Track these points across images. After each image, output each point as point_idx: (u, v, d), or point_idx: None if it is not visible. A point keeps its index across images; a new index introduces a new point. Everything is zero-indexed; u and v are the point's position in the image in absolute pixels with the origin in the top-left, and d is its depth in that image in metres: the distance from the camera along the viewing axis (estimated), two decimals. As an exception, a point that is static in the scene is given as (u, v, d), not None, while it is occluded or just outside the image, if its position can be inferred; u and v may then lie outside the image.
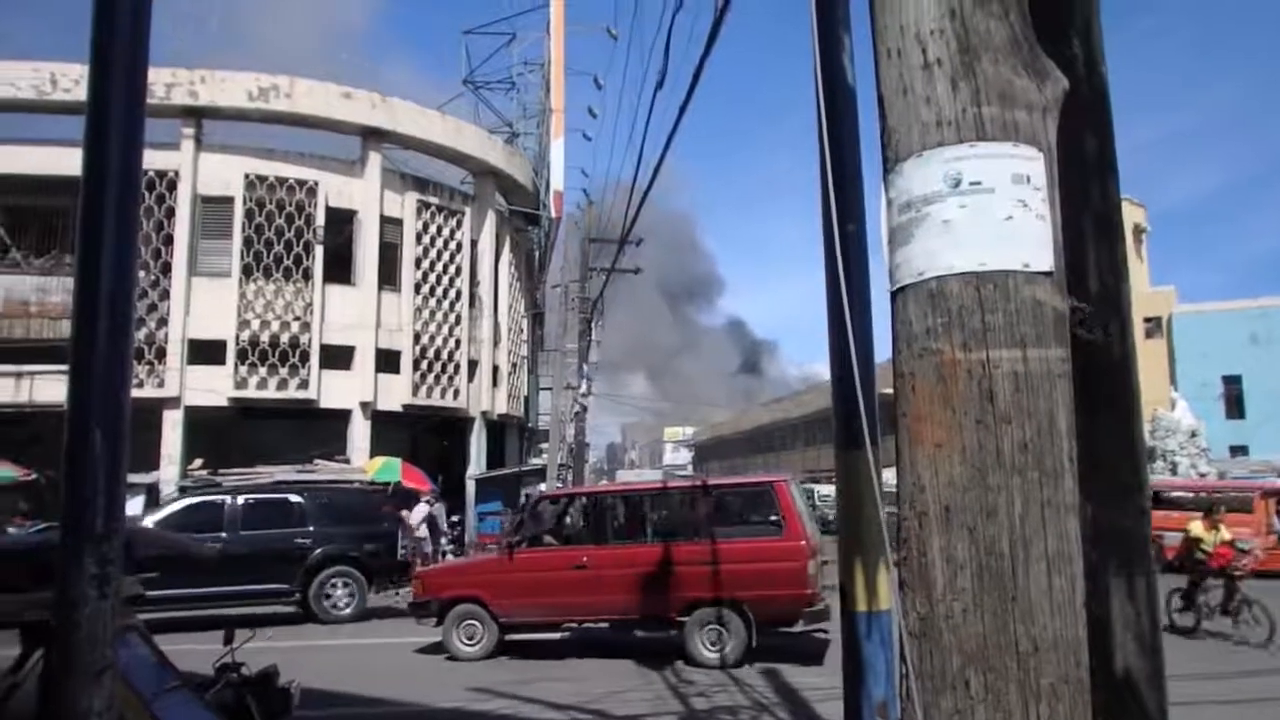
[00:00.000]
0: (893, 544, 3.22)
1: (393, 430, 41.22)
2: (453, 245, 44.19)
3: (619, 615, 17.08)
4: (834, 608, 17.11)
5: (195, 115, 37.94)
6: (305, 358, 38.29)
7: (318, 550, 22.52)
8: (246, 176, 38.22)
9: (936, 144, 2.88)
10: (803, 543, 16.45)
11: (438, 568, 20.63)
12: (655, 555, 16.85)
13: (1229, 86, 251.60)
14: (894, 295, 3.01)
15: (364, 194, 40.62)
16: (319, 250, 38.87)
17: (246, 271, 37.99)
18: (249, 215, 38.17)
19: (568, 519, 19.47)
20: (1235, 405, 63.72)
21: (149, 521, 21.79)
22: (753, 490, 18.47)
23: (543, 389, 57.72)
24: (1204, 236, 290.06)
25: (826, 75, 4.64)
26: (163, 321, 36.84)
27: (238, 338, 37.47)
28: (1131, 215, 67.20)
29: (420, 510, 27.18)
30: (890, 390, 3.00)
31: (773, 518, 16.94)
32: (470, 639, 17.31)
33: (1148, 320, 63.57)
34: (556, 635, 17.89)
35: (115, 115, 2.81)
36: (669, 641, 16.75)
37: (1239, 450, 58.31)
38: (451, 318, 43.57)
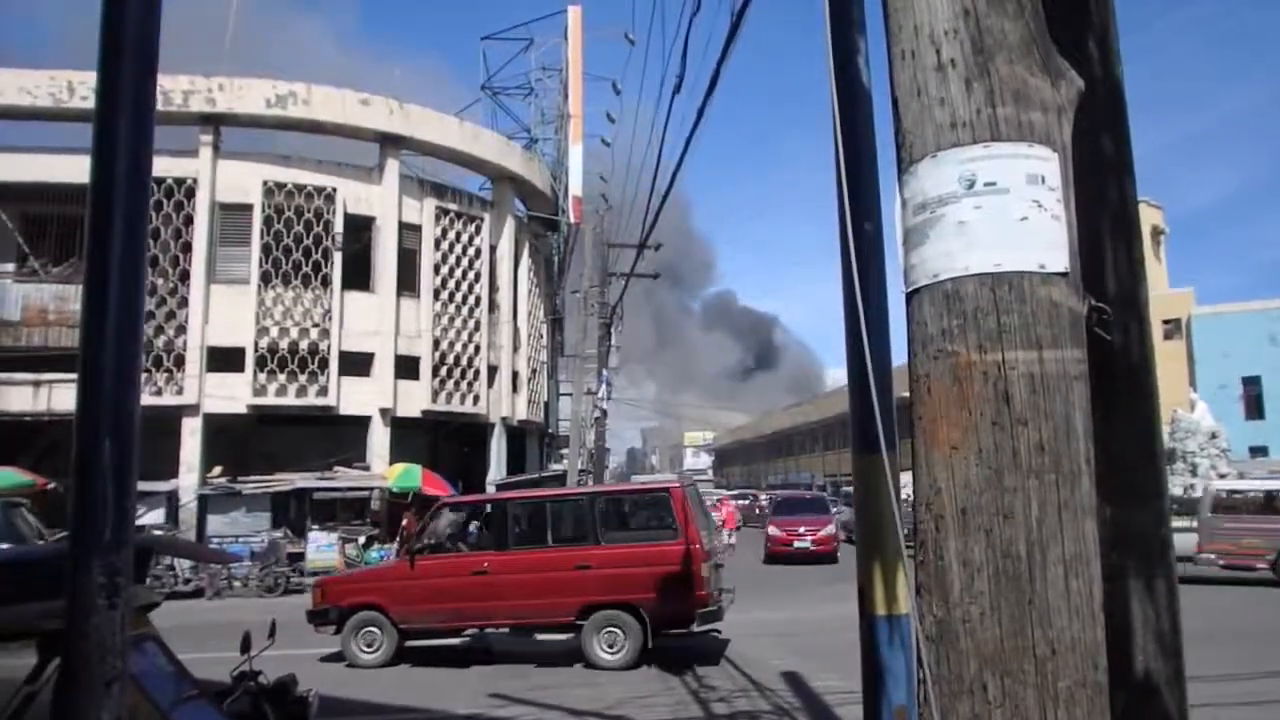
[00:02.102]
0: (910, 547, 3.20)
1: (413, 436, 41.34)
2: (471, 251, 44.30)
3: (519, 620, 17.46)
4: (728, 609, 17.95)
5: (213, 122, 38.15)
6: (324, 364, 38.41)
7: None
8: (265, 183, 38.39)
9: (951, 145, 2.86)
10: (696, 546, 16.86)
11: (337, 576, 20.66)
12: (554, 560, 17.35)
13: (1247, 88, 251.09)
14: (909, 297, 3.00)
15: (382, 200, 40.75)
16: (337, 257, 38.99)
17: (265, 278, 38.13)
18: (267, 222, 38.32)
19: (470, 526, 19.58)
20: (1255, 406, 63.44)
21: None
22: (650, 496, 18.82)
23: (563, 394, 57.80)
24: (1222, 238, 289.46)
25: (841, 78, 4.63)
26: (181, 329, 37.00)
27: (256, 345, 37.61)
28: (1149, 217, 67.02)
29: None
30: (908, 393, 2.98)
31: (669, 523, 17.32)
32: (369, 646, 17.46)
33: (1166, 322, 63.36)
34: (456, 640, 18.21)
35: (124, 122, 2.80)
36: (567, 645, 17.32)
37: (1259, 451, 58.02)
38: (471, 323, 43.67)
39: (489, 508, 19.48)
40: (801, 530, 38.93)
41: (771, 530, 40.32)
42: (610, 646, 16.63)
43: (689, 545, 16.83)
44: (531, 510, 18.88)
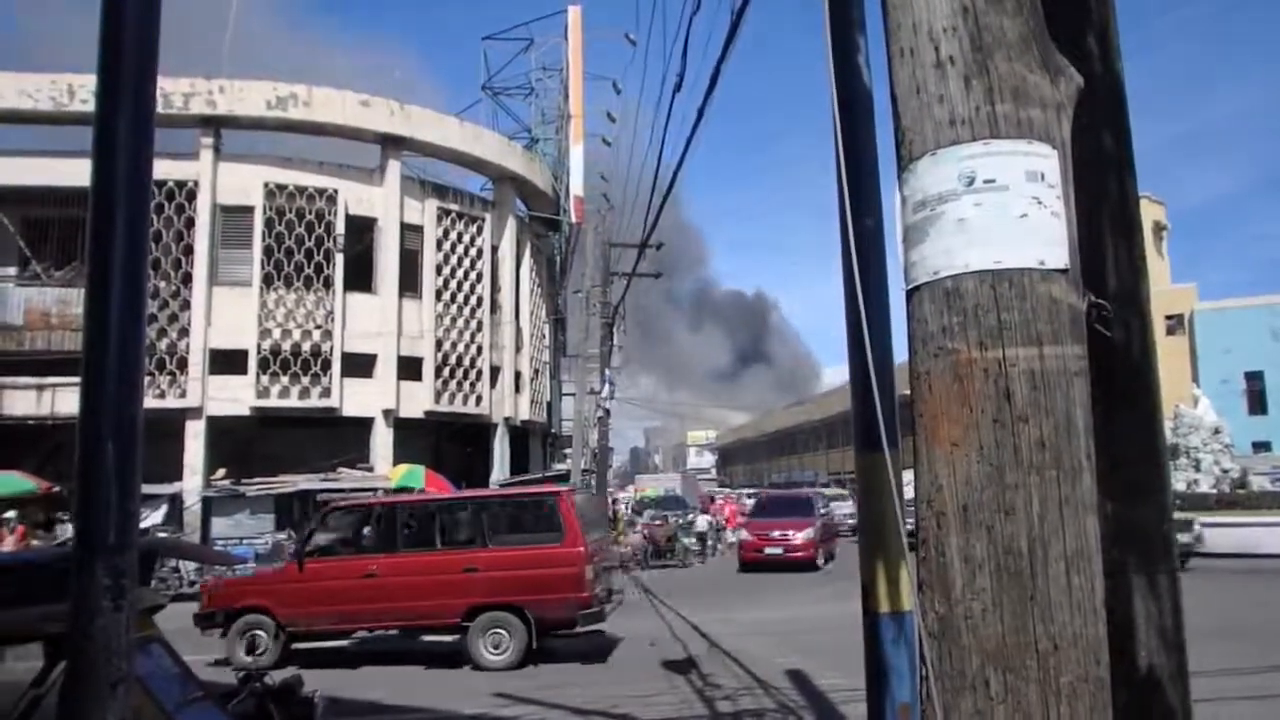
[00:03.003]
0: (911, 544, 3.21)
1: (415, 437, 41.37)
2: (473, 251, 44.35)
3: (406, 621, 17.73)
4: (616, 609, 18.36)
5: (214, 125, 38.21)
6: (327, 366, 38.45)
7: None
8: (266, 185, 38.43)
9: (950, 142, 2.86)
10: (580, 549, 17.26)
11: (226, 579, 20.89)
12: (442, 563, 17.63)
13: (1250, 83, 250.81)
14: (909, 294, 3.00)
15: (384, 201, 40.80)
16: (339, 258, 39.04)
17: (267, 280, 38.18)
18: (269, 224, 38.38)
19: (360, 529, 19.51)
20: (1258, 401, 63.52)
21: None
22: (537, 500, 19.17)
23: (565, 394, 57.78)
24: (1225, 234, 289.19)
25: (841, 76, 4.64)
26: (184, 332, 37.07)
27: (259, 347, 37.68)
28: (1151, 213, 67.08)
29: None
30: (910, 391, 2.99)
31: (556, 526, 17.62)
32: (255, 649, 17.37)
33: (1169, 317, 63.43)
34: (345, 642, 18.36)
35: (124, 125, 2.81)
36: (454, 646, 17.60)
37: (1262, 446, 58.07)
38: (473, 324, 43.71)
39: (379, 511, 19.54)
40: (774, 534, 35.21)
41: (743, 534, 37.24)
42: (495, 647, 16.98)
43: (573, 549, 17.26)
44: (421, 514, 19.17)
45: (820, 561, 34.75)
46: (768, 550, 34.52)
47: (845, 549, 37.46)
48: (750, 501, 60.96)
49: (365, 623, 17.84)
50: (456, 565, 17.39)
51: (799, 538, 34.64)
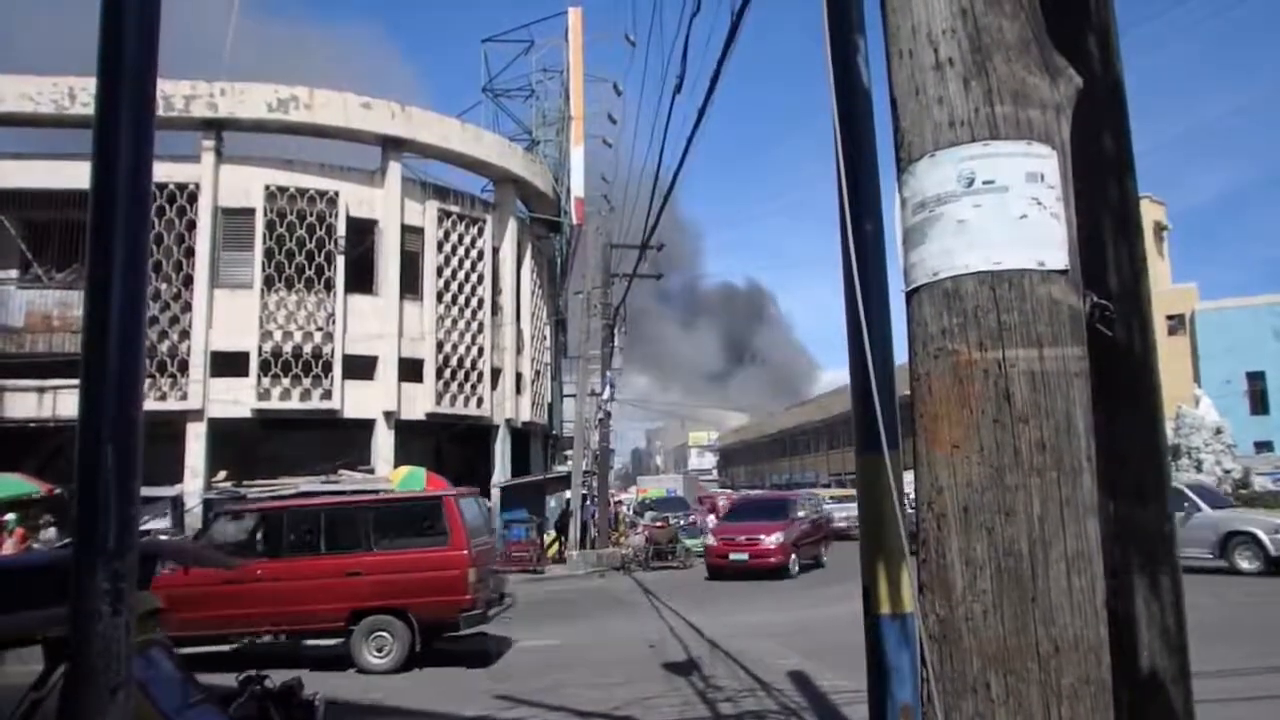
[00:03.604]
0: (912, 546, 3.20)
1: (417, 439, 41.39)
2: (474, 253, 44.38)
3: (290, 626, 17.68)
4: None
5: (215, 127, 38.25)
6: (328, 368, 38.47)
7: None
8: (267, 188, 38.47)
9: (949, 144, 2.87)
10: (464, 552, 17.53)
11: None
12: (326, 567, 17.73)
13: (1250, 83, 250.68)
14: (909, 296, 3.00)
15: (385, 203, 40.83)
16: (340, 260, 39.07)
17: (268, 282, 38.21)
18: (270, 226, 38.40)
19: (249, 533, 19.46)
20: (1259, 401, 63.60)
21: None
22: (424, 504, 19.54)
23: (566, 396, 57.78)
24: (1226, 233, 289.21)
25: (841, 78, 4.64)
26: (185, 334, 37.10)
27: (260, 349, 37.70)
28: (1151, 213, 67.17)
29: None
30: (910, 392, 2.99)
31: (440, 530, 17.87)
32: None
33: (1170, 317, 63.53)
34: (228, 648, 18.15)
35: (125, 128, 2.81)
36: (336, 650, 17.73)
37: (1264, 446, 58.12)
38: (474, 326, 43.75)
39: (266, 515, 19.55)
40: (740, 539, 33.00)
41: (708, 539, 35.44)
42: (379, 650, 17.15)
43: (457, 552, 17.48)
44: (307, 518, 19.14)
45: (793, 568, 32.61)
46: (732, 556, 32.58)
47: (837, 552, 37.28)
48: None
49: (249, 628, 17.72)
50: (340, 569, 17.54)
51: (767, 542, 32.44)
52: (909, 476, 3.47)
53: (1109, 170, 3.51)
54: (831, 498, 52.36)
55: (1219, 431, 44.77)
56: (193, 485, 35.72)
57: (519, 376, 48.14)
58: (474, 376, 43.55)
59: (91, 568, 2.58)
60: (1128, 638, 3.23)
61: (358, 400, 39.34)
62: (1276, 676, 12.80)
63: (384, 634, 17.19)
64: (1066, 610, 2.63)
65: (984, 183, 2.80)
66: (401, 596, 17.21)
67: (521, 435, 49.62)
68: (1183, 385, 51.02)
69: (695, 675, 15.36)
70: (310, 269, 38.71)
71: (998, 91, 2.85)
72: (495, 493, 40.19)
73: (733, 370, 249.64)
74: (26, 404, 35.77)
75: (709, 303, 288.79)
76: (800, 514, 35.75)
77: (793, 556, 32.71)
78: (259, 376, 37.66)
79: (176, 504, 33.74)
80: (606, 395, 46.36)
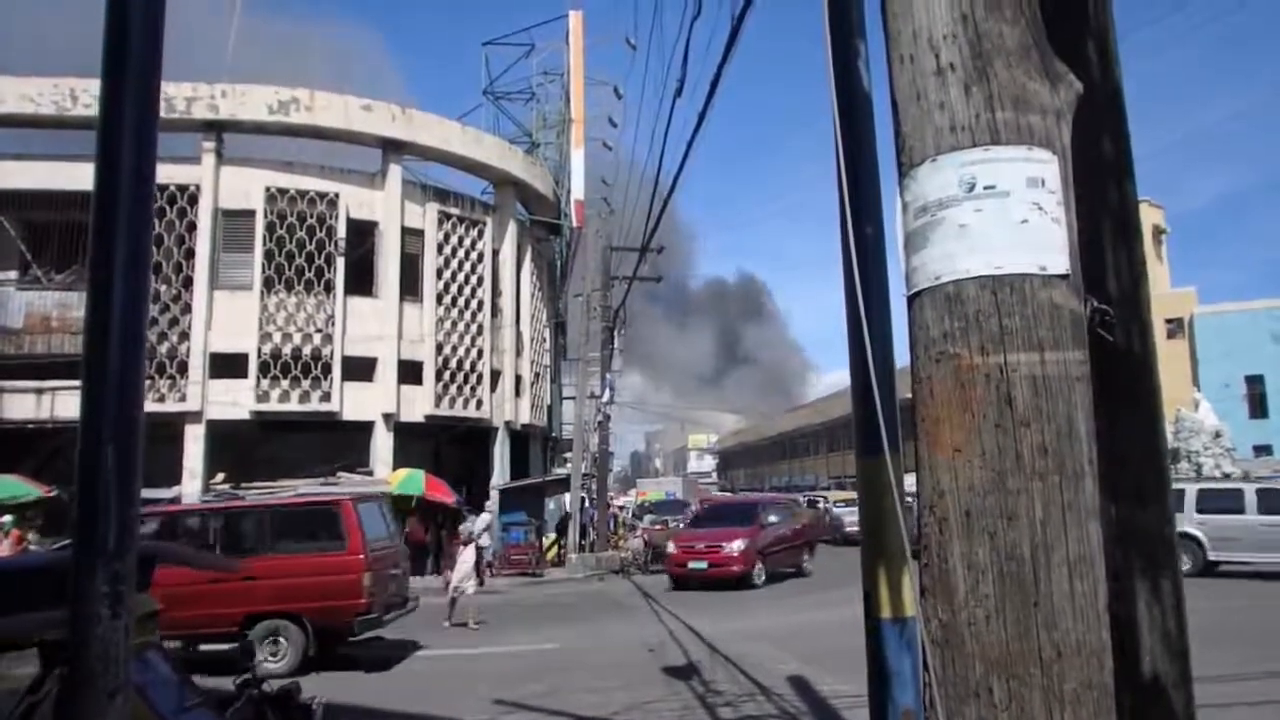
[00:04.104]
0: (914, 550, 3.20)
1: (416, 442, 41.34)
2: (474, 255, 44.34)
3: (184, 630, 17.36)
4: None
5: (216, 129, 38.20)
6: (327, 370, 38.41)
7: None
8: (267, 189, 38.42)
9: (950, 148, 2.87)
10: (360, 556, 17.71)
11: None
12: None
13: (1248, 86, 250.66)
14: (910, 300, 3.01)
15: (385, 205, 40.79)
16: (340, 262, 39.02)
17: (268, 284, 38.16)
18: (270, 228, 38.35)
19: (145, 538, 19.27)
20: (1258, 405, 63.67)
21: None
22: (321, 509, 19.40)
23: (566, 398, 57.76)
24: (1224, 237, 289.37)
25: (842, 83, 4.64)
26: (184, 335, 37.03)
27: (259, 351, 37.62)
28: (1150, 217, 67.22)
29: (484, 518, 27.02)
30: (911, 395, 2.99)
31: (337, 534, 18.03)
32: None
33: (1169, 321, 63.59)
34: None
35: (128, 129, 2.81)
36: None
37: (1263, 450, 58.19)
38: (474, 328, 43.69)
39: (162, 519, 19.46)
40: (699, 547, 31.46)
41: (669, 547, 33.46)
42: (273, 655, 17.19)
43: (353, 556, 17.66)
44: (203, 523, 19.22)
45: (758, 577, 30.89)
46: (691, 565, 31.13)
47: (839, 557, 37.20)
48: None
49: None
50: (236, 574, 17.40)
51: (729, 550, 30.83)
52: (910, 479, 3.47)
53: (1108, 175, 3.52)
54: (840, 501, 52.07)
55: (1218, 435, 44.86)
56: (191, 487, 35.64)
57: (518, 379, 48.09)
58: (473, 379, 43.49)
59: (91, 570, 2.57)
60: (1129, 641, 3.23)
61: (357, 402, 39.28)
62: (1277, 681, 12.81)
63: (278, 638, 17.31)
64: (1069, 614, 2.63)
65: (985, 187, 2.81)
66: (296, 600, 17.32)
67: (521, 437, 49.57)
68: (1182, 389, 51.08)
69: (695, 679, 15.35)
70: (310, 271, 38.64)
71: (999, 97, 2.85)
72: (494, 495, 40.18)
73: (728, 369, 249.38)
74: (25, 405, 35.71)
75: (703, 300, 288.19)
76: (772, 519, 34.05)
77: (758, 565, 31.13)
78: (258, 378, 37.57)
79: (175, 506, 33.75)
80: (606, 398, 46.36)
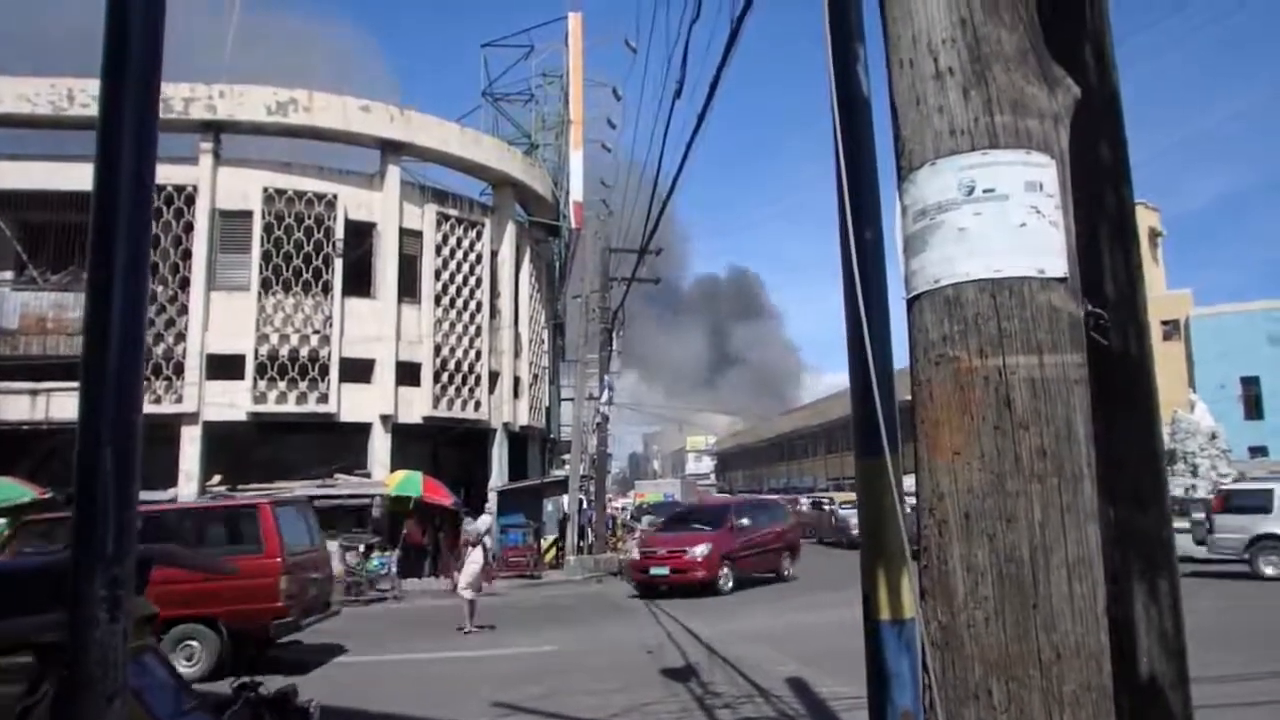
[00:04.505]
0: (913, 551, 3.21)
1: (414, 443, 41.29)
2: (472, 257, 44.31)
3: None
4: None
5: (213, 129, 38.17)
6: (325, 371, 38.36)
7: None
8: (265, 190, 38.38)
9: (950, 152, 2.88)
10: (277, 560, 17.75)
11: None
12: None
13: (1243, 88, 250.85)
14: (910, 303, 3.02)
15: (383, 206, 40.78)
16: (338, 263, 38.99)
17: (265, 285, 38.12)
18: (268, 229, 38.30)
19: (56, 543, 19.13)
20: (1254, 406, 63.78)
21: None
22: (239, 512, 19.47)
23: (564, 400, 57.78)
24: (1220, 239, 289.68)
25: (841, 86, 4.64)
26: (181, 336, 36.97)
27: (257, 352, 37.56)
28: (1146, 219, 67.32)
29: (485, 520, 26.91)
30: (910, 397, 2.99)
31: (254, 538, 18.05)
32: None
33: (1165, 323, 63.70)
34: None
35: (128, 130, 2.80)
36: None
37: (1258, 451, 58.33)
38: (472, 329, 43.66)
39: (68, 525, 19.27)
40: (661, 552, 30.60)
41: (633, 552, 33.42)
42: (188, 660, 17.04)
43: (269, 560, 17.68)
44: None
45: (725, 583, 30.02)
46: (653, 570, 30.16)
47: (826, 559, 37.09)
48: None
49: None
50: (149, 579, 17.20)
51: (693, 554, 29.89)
52: (909, 480, 3.47)
53: (1105, 178, 3.52)
54: (846, 503, 51.57)
55: (1214, 436, 44.93)
56: (187, 489, 35.61)
57: (517, 380, 48.05)
58: (471, 380, 43.45)
59: (89, 573, 2.57)
60: (1126, 643, 3.23)
61: (354, 403, 39.23)
62: (1275, 682, 12.82)
63: (192, 642, 17.25)
64: (1068, 616, 2.64)
65: (984, 191, 2.82)
66: (210, 604, 17.16)
67: (519, 439, 49.53)
68: (1178, 391, 51.10)
69: (693, 681, 15.36)
70: (308, 272, 38.59)
71: (997, 101, 2.87)
72: (492, 497, 40.16)
73: (722, 369, 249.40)
74: (19, 407, 35.64)
75: (696, 298, 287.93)
76: (743, 522, 32.97)
77: (724, 570, 30.22)
78: (255, 379, 37.51)
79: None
80: (605, 399, 46.34)
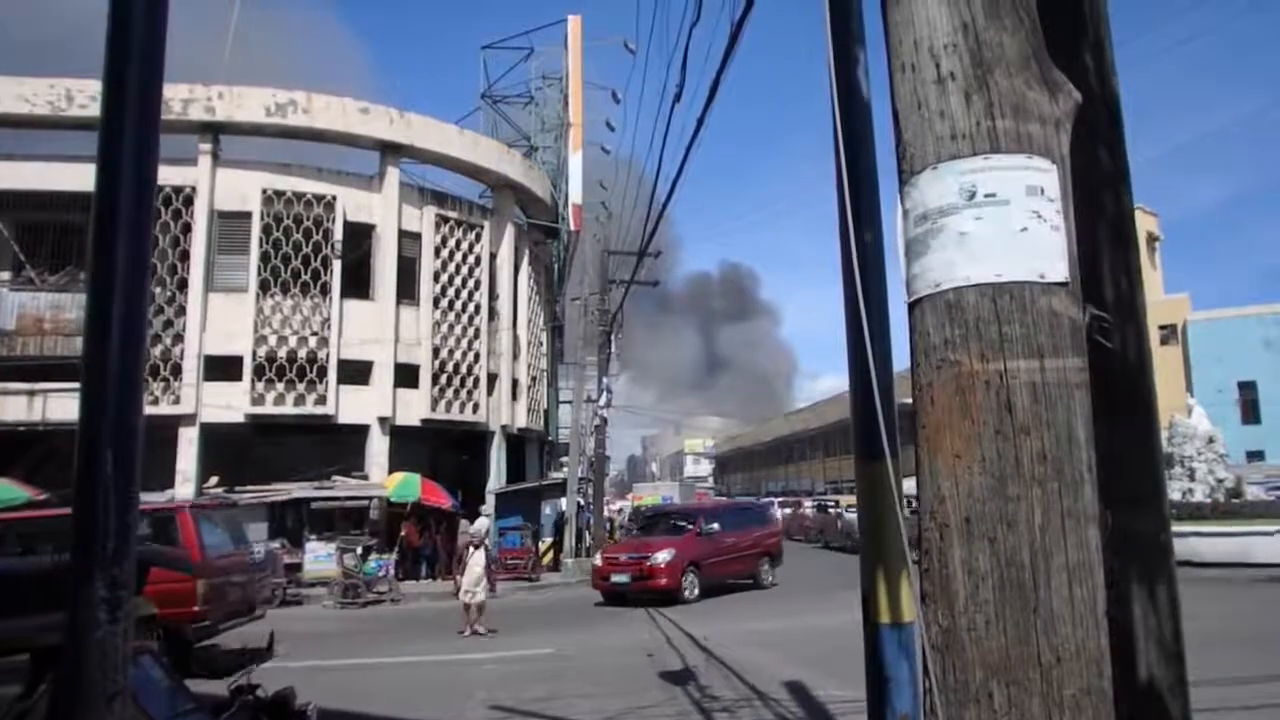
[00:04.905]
0: (913, 555, 3.21)
1: (412, 445, 41.23)
2: (471, 259, 44.28)
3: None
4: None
5: (212, 130, 38.13)
6: (323, 373, 38.32)
7: None
8: (264, 191, 38.35)
9: (951, 157, 2.89)
10: (196, 564, 17.75)
11: None
12: None
13: (1241, 94, 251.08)
14: (911, 307, 3.02)
15: (382, 208, 40.76)
16: (337, 265, 38.97)
17: (264, 286, 38.08)
18: (266, 230, 38.27)
19: None
20: (1251, 410, 63.87)
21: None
22: (158, 516, 19.20)
23: (563, 402, 57.79)
24: (1217, 244, 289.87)
25: (842, 90, 4.64)
26: (179, 337, 36.95)
27: (255, 353, 37.53)
28: (1144, 223, 67.42)
29: (481, 523, 26.84)
30: (910, 399, 2.99)
31: (172, 541, 18.12)
32: None
33: (1163, 328, 63.83)
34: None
35: (129, 131, 2.81)
36: None
37: (1256, 455, 58.35)
38: (470, 331, 43.63)
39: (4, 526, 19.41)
40: (623, 559, 29.54)
41: (596, 559, 31.98)
42: None
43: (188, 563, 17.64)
44: (32, 531, 19.04)
45: (689, 591, 28.79)
46: (614, 578, 29.05)
47: (828, 561, 36.98)
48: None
49: None
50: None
51: (654, 561, 28.60)
52: (909, 483, 3.47)
53: (1105, 183, 3.53)
54: (852, 506, 51.30)
55: (1211, 441, 44.85)
56: (184, 491, 35.47)
57: (515, 382, 48.02)
58: (470, 382, 43.42)
59: (89, 575, 2.57)
60: (1125, 647, 3.24)
61: (352, 405, 39.19)
62: (1275, 685, 12.81)
63: None
64: (1068, 620, 2.65)
65: (985, 195, 2.82)
66: None
67: (517, 441, 49.50)
68: (1175, 395, 51.12)
69: (691, 685, 15.35)
70: (306, 273, 38.56)
71: (999, 106, 2.87)
72: (490, 499, 40.13)
73: (716, 368, 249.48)
74: (16, 407, 35.58)
75: (689, 297, 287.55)
76: (713, 527, 31.76)
77: (688, 578, 29.00)
78: (253, 381, 37.46)
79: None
80: (603, 402, 46.33)
